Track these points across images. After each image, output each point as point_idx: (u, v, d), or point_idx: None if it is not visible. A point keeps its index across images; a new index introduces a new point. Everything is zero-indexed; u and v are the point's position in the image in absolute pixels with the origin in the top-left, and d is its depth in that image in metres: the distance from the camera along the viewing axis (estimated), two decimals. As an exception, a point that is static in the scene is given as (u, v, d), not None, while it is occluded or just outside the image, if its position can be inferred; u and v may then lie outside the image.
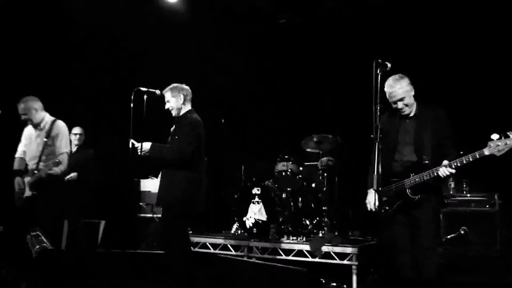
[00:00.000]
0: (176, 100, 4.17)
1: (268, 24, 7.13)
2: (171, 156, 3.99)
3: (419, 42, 5.96)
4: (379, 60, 3.28)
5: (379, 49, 3.64)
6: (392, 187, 3.56)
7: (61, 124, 4.63)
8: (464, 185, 5.18)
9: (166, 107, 4.20)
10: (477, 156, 3.21)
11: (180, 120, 4.18)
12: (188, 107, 4.24)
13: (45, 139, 4.38)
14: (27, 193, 4.44)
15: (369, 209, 3.67)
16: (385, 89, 3.55)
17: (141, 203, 6.37)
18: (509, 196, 4.99)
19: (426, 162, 3.46)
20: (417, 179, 3.44)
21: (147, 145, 3.96)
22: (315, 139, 5.88)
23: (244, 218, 5.69)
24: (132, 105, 4.03)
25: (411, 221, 3.52)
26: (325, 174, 5.95)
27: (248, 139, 7.05)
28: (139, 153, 3.92)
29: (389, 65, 3.30)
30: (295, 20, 6.95)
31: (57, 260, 2.67)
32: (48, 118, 4.61)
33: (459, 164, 3.27)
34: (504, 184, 4.98)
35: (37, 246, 3.95)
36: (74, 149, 6.04)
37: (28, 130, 4.68)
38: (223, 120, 6.40)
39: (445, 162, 3.34)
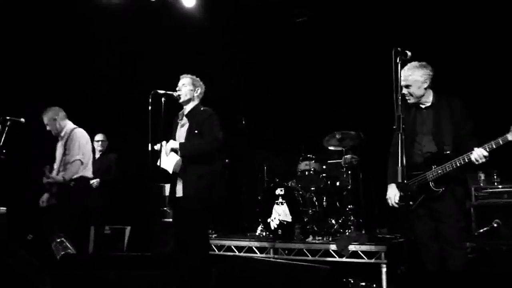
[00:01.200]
0: (193, 90, 4.13)
1: (284, 21, 7.08)
2: (208, 147, 3.94)
3: (434, 30, 5.80)
4: (398, 49, 3.18)
5: (398, 40, 3.52)
6: (415, 181, 3.44)
7: (77, 132, 4.69)
8: (495, 176, 4.97)
9: (178, 89, 4.12)
10: (500, 143, 3.13)
11: (195, 114, 4.10)
12: (196, 102, 4.20)
13: (64, 149, 4.51)
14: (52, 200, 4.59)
15: (390, 205, 3.56)
16: None
17: (165, 208, 6.38)
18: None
19: (448, 152, 3.35)
20: (440, 171, 3.33)
21: (174, 144, 3.93)
22: (337, 136, 5.77)
23: (269, 220, 5.62)
24: (150, 108, 4.02)
25: (435, 215, 3.40)
26: (349, 172, 5.83)
27: (269, 139, 6.99)
28: (166, 154, 3.89)
29: (409, 53, 3.20)
30: (310, 14, 6.88)
31: (79, 264, 2.67)
32: (69, 127, 4.71)
33: (494, 146, 3.16)
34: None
35: (62, 253, 3.99)
36: (98, 155, 6.12)
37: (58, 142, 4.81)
38: (243, 121, 6.37)
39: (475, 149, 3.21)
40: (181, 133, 4.14)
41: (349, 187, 5.81)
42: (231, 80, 7.13)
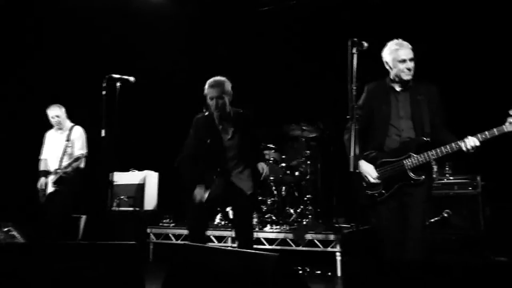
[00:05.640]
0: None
1: (249, 11, 7.02)
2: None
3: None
4: (355, 39, 3.15)
5: (365, 32, 3.49)
6: (388, 168, 3.22)
7: (79, 128, 5.19)
8: (447, 168, 5.11)
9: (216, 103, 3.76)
10: (496, 133, 2.98)
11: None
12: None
13: (66, 142, 4.94)
14: (50, 189, 4.93)
15: (372, 181, 3.23)
16: (392, 48, 3.29)
17: (122, 197, 6.23)
18: (492, 178, 4.95)
19: (428, 139, 3.16)
20: (421, 159, 3.12)
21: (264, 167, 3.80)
22: (297, 126, 5.79)
23: (227, 209, 5.60)
24: (104, 92, 3.89)
25: (406, 201, 3.19)
26: (308, 162, 5.88)
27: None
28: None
29: (365, 44, 3.13)
30: (278, 5, 6.86)
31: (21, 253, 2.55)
32: (69, 123, 5.21)
33: (488, 137, 3.00)
34: (486, 166, 4.90)
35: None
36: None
37: (50, 134, 5.22)
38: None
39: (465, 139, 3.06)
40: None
41: (308, 177, 5.85)
42: (192, 68, 7.01)
